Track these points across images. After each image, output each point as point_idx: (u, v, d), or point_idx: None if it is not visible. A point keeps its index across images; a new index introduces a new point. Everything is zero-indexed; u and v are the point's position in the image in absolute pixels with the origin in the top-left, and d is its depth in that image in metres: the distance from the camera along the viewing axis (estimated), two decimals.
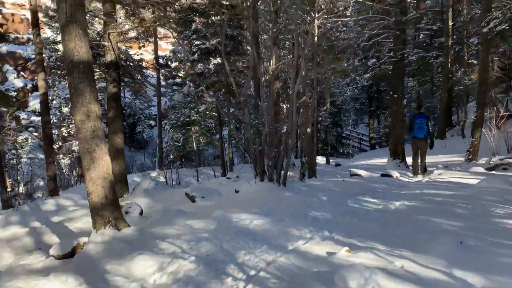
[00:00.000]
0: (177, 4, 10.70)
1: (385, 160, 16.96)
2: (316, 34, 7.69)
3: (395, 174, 10.35)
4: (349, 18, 10.72)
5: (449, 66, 17.16)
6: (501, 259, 3.38)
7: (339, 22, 13.12)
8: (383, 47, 15.11)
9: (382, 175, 10.39)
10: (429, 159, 14.27)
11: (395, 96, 12.11)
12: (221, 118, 14.96)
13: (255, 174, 7.33)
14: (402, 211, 5.66)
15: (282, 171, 7.10)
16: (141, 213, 7.16)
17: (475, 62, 17.51)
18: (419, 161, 10.68)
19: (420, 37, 18.79)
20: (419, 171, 10.67)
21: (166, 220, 5.47)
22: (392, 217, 5.33)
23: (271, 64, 7.56)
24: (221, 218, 5.20)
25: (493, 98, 15.92)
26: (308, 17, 8.35)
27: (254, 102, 10.69)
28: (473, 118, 12.45)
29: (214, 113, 15.41)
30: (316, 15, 7.77)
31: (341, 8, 13.31)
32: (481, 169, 10.79)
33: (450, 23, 16.42)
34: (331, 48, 12.26)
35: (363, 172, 11.16)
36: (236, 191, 7.36)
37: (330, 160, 18.56)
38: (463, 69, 18.31)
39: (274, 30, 9.23)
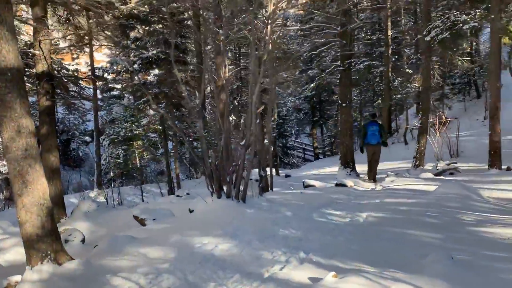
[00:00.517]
0: (116, 10, 9.93)
1: (334, 169, 17.02)
2: (271, 41, 7.32)
3: (349, 183, 10.20)
4: (297, 27, 10.52)
5: (389, 75, 17.67)
6: (502, 275, 3.11)
7: (284, 31, 12.97)
8: (326, 57, 15.22)
9: (337, 184, 10.20)
10: (379, 166, 14.44)
11: (344, 105, 12.08)
12: (166, 132, 14.17)
13: (211, 190, 6.75)
14: (373, 224, 5.36)
15: (241, 186, 6.59)
16: (83, 240, 6.33)
17: (410, 71, 18.21)
18: (370, 168, 10.89)
19: (360, 47, 19.26)
20: (371, 178, 10.84)
21: (115, 249, 4.75)
22: (365, 231, 5.00)
23: (223, 72, 7.08)
24: (180, 244, 4.58)
25: (431, 105, 16.55)
26: (261, 24, 7.99)
27: (202, 113, 10.11)
28: (418, 124, 12.73)
29: (158, 126, 14.59)
30: (269, 21, 7.41)
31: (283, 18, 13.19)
32: (430, 175, 10.97)
33: (390, 33, 16.95)
34: (286, 56, 12.03)
35: (317, 183, 10.94)
36: (191, 211, 6.73)
37: (279, 171, 18.34)
38: (400, 78, 18.99)
39: (222, 38, 8.80)
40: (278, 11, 7.70)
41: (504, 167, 10.64)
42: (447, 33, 10.80)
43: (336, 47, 12.48)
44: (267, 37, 6.83)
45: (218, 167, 6.67)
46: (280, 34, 9.13)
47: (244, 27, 11.65)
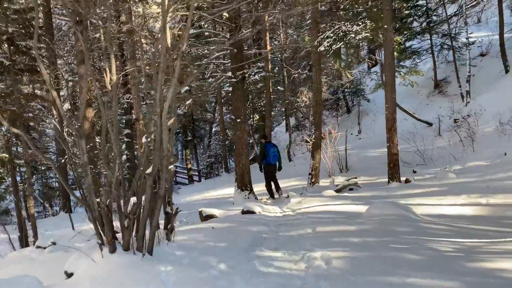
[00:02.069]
0: None
1: (220, 192, 15.55)
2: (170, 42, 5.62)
3: (257, 209, 8.81)
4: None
5: (270, 91, 17.11)
6: None
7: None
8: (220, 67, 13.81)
9: (244, 212, 8.73)
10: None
11: (238, 121, 10.79)
12: (12, 159, 10.95)
13: (100, 242, 4.65)
14: (347, 272, 3.96)
15: (146, 233, 4.65)
16: None
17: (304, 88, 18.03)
18: (274, 185, 10.90)
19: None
20: (277, 193, 10.83)
21: None
22: (342, 285, 3.61)
23: (109, 76, 5.10)
24: None
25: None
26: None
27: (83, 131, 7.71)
28: (312, 140, 12.13)
29: (3, 154, 11.17)
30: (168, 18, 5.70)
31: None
32: (333, 193, 10.29)
33: (268, 47, 16.44)
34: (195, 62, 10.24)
35: (216, 211, 9.34)
36: (69, 275, 4.55)
37: None
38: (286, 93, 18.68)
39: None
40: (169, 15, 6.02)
41: (402, 179, 10.53)
42: (340, 43, 10.42)
43: (227, 57, 11.19)
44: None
45: (110, 207, 4.63)
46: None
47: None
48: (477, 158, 11.23)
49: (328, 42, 10.55)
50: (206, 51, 10.66)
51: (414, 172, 11.93)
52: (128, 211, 4.64)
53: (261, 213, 8.69)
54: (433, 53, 17.36)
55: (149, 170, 4.42)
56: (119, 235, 4.80)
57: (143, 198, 4.58)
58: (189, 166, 26.51)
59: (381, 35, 10.46)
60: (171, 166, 5.64)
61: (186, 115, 24.15)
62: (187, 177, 27.09)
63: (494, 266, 3.65)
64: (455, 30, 17.15)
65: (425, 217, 6.45)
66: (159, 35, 6.36)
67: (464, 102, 15.47)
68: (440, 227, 5.65)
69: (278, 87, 21.67)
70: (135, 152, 18.65)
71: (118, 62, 12.37)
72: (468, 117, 13.88)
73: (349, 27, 10.39)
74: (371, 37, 10.75)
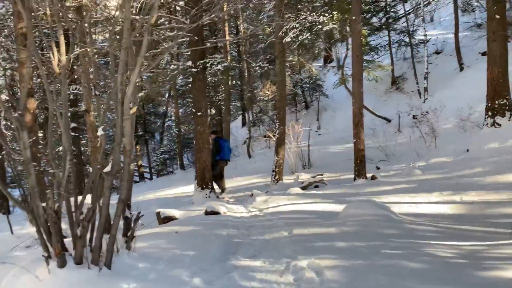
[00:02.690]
0: None
1: (177, 190, 14.70)
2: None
3: (222, 209, 8.16)
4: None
5: (229, 83, 16.44)
6: None
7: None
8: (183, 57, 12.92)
9: (207, 213, 8.05)
10: (230, 183, 12.83)
11: (199, 114, 10.07)
12: None
13: (46, 254, 3.84)
14: (343, 285, 3.44)
15: (103, 243, 3.90)
16: None
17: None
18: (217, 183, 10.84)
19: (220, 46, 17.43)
20: (221, 193, 10.82)
21: None
22: None
23: (57, 57, 4.30)
24: None
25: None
26: None
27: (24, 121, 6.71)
28: (276, 135, 11.64)
29: None
30: None
31: None
32: (299, 190, 9.84)
33: (227, 37, 15.74)
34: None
35: (176, 212, 8.56)
36: None
37: None
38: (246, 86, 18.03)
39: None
40: None
41: (368, 175, 10.27)
42: (307, 34, 9.97)
43: (186, 45, 10.40)
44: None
45: (59, 212, 3.84)
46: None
47: None
48: (440, 154, 11.21)
49: (294, 33, 10.08)
50: (163, 38, 9.78)
51: (378, 168, 11.76)
52: (81, 218, 3.86)
53: (226, 213, 8.06)
54: (390, 50, 17.43)
55: (107, 168, 3.67)
56: (70, 246, 4.02)
57: (101, 201, 3.82)
58: (140, 162, 25.26)
59: (348, 27, 10.14)
60: (132, 165, 4.89)
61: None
62: (137, 174, 25.81)
63: (509, 275, 3.27)
64: (412, 27, 17.33)
65: (405, 216, 6.12)
66: (116, 12, 5.62)
67: (422, 99, 15.61)
68: (426, 228, 5.31)
69: (235, 81, 21.05)
70: (82, 148, 17.35)
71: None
72: (427, 113, 13.96)
73: (315, 18, 9.98)
74: (338, 29, 10.40)
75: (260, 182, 12.69)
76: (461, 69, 16.02)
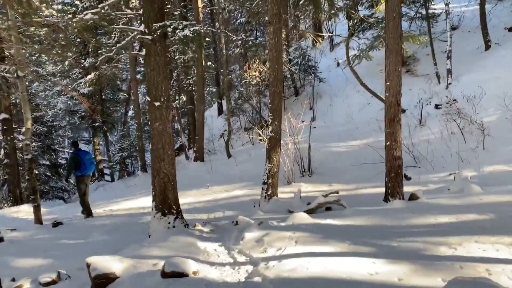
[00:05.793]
0: None
1: (134, 203, 11.20)
2: None
3: (191, 265, 4.77)
4: None
5: (203, 62, 12.97)
6: None
7: None
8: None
9: (166, 273, 4.66)
10: (204, 195, 9.56)
11: (157, 104, 6.66)
12: None
13: None
14: None
15: None
16: None
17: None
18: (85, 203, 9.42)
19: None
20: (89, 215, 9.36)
21: None
22: None
23: None
24: None
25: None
26: None
27: None
28: (269, 133, 8.34)
29: None
30: None
31: None
32: (308, 218, 6.59)
33: (200, 4, 12.17)
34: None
35: (117, 267, 5.16)
36: None
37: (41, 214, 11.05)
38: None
39: None
40: None
41: (405, 190, 7.13)
42: None
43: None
44: None
45: None
46: None
47: None
48: (494, 159, 8.22)
49: None
50: None
51: (407, 178, 8.70)
52: None
53: (198, 274, 4.77)
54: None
55: None
56: None
57: None
58: (99, 158, 21.51)
59: None
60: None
61: (90, 94, 19.07)
62: (96, 171, 22.09)
63: None
64: None
65: None
66: None
67: (444, 84, 12.59)
68: None
69: (210, 62, 17.59)
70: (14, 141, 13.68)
71: None
72: (455, 102, 10.97)
73: None
74: None
75: (246, 195, 9.43)
76: (487, 47, 13.08)
